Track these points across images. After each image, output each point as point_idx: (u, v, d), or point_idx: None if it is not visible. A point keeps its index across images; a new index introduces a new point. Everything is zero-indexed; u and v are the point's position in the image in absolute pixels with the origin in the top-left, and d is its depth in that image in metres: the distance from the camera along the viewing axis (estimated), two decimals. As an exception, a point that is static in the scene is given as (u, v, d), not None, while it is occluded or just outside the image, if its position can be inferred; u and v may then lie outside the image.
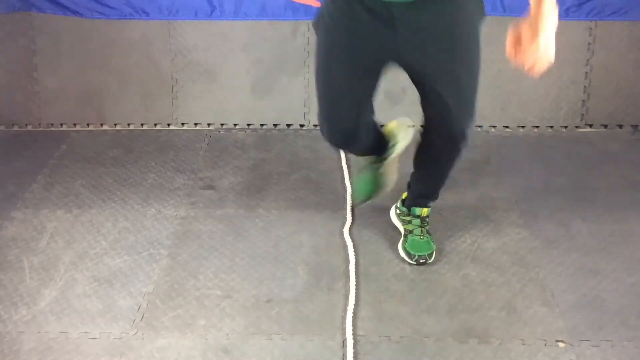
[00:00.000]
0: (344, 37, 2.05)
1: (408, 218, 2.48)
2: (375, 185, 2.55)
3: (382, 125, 2.47)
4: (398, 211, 2.53)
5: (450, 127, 2.16)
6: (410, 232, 2.44)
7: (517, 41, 1.80)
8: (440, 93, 2.09)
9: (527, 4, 3.13)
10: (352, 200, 2.70)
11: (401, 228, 2.50)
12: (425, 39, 2.00)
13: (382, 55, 2.07)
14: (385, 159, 2.50)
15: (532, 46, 1.76)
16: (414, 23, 1.97)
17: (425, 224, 2.46)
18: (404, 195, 2.52)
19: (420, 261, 2.38)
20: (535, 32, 1.75)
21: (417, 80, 2.14)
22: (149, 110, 3.36)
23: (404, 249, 2.42)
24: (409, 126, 2.55)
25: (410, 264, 2.40)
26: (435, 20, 1.98)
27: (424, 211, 2.46)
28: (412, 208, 2.47)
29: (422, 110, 2.22)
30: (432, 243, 2.43)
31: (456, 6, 2.00)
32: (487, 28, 3.19)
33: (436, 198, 2.48)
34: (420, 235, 2.43)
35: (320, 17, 2.10)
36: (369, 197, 2.59)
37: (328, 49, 2.10)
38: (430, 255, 2.40)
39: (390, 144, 2.49)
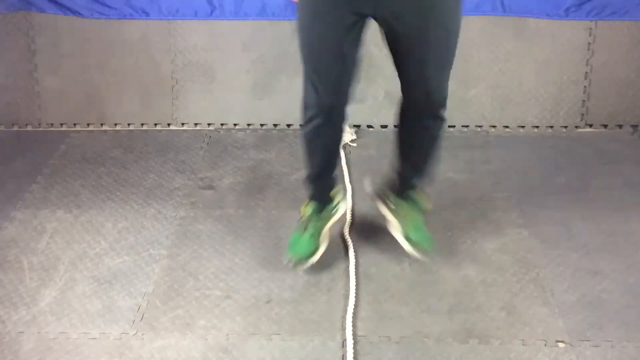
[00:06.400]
0: None
1: (399, 204, 2.44)
2: (314, 247, 2.37)
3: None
4: (392, 205, 2.47)
5: (428, 88, 2.14)
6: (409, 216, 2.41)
7: None
8: (416, 53, 2.08)
9: (527, 3, 3.16)
10: (289, 259, 2.38)
11: (393, 219, 2.45)
12: None
13: (365, 9, 2.02)
14: (327, 218, 2.43)
15: None
16: None
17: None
18: (390, 184, 2.47)
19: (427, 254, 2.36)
20: None
21: (394, 41, 2.11)
22: (149, 110, 3.36)
23: (407, 237, 2.38)
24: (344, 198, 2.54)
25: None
26: None
27: (425, 200, 2.45)
28: (407, 193, 2.43)
29: (400, 81, 2.20)
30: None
31: None
32: (487, 28, 3.21)
33: (432, 178, 2.44)
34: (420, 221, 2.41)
35: None
36: (306, 258, 2.36)
37: (310, 6, 2.07)
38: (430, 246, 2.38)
39: (335, 201, 2.46)
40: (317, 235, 2.38)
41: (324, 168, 2.38)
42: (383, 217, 2.49)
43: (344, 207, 2.52)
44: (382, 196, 2.52)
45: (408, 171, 2.42)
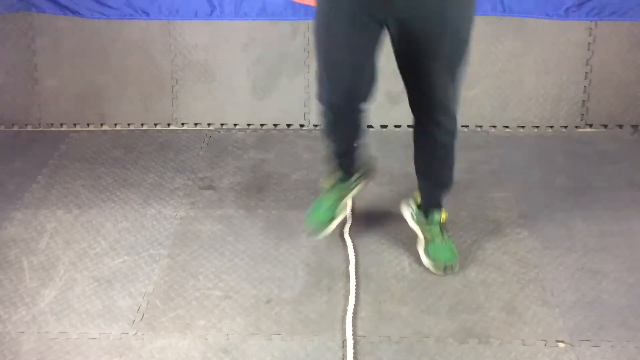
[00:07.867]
0: None
1: (427, 227, 2.42)
2: (330, 216, 2.45)
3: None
4: (415, 217, 2.48)
5: (432, 98, 2.13)
6: (432, 240, 2.40)
7: None
8: (425, 60, 2.07)
9: (527, 3, 3.16)
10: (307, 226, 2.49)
11: (420, 234, 2.45)
12: (423, 2, 2.01)
13: (379, 11, 2.04)
14: (348, 189, 2.49)
15: None
16: None
17: (445, 230, 2.42)
18: (418, 200, 2.47)
19: (447, 271, 2.35)
20: None
21: (400, 47, 2.11)
22: (149, 110, 3.36)
23: (428, 256, 2.38)
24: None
25: (427, 268, 2.39)
26: None
27: (443, 216, 2.42)
28: (430, 214, 2.42)
29: (407, 95, 2.21)
30: (454, 250, 2.39)
31: None
32: (487, 28, 3.21)
33: (448, 191, 2.42)
34: (442, 241, 2.39)
35: None
36: (323, 225, 2.45)
37: (328, 6, 2.09)
38: (455, 264, 2.36)
39: (361, 170, 2.51)
40: (335, 205, 2.45)
41: (343, 152, 2.44)
42: (412, 231, 2.51)
43: (363, 184, 2.55)
44: (409, 210, 2.53)
45: (426, 185, 2.43)
